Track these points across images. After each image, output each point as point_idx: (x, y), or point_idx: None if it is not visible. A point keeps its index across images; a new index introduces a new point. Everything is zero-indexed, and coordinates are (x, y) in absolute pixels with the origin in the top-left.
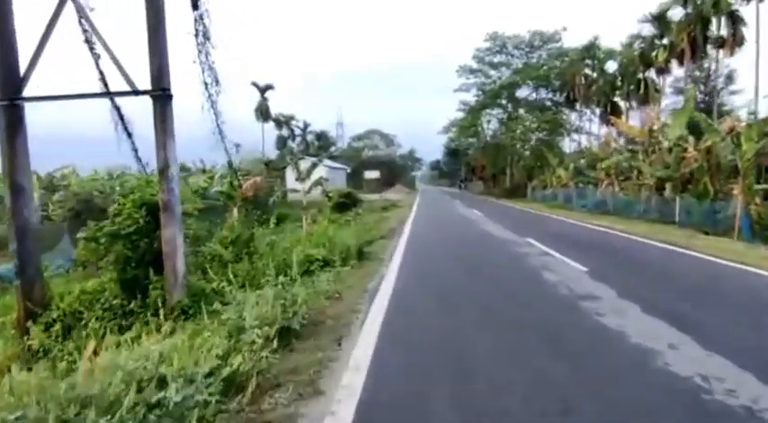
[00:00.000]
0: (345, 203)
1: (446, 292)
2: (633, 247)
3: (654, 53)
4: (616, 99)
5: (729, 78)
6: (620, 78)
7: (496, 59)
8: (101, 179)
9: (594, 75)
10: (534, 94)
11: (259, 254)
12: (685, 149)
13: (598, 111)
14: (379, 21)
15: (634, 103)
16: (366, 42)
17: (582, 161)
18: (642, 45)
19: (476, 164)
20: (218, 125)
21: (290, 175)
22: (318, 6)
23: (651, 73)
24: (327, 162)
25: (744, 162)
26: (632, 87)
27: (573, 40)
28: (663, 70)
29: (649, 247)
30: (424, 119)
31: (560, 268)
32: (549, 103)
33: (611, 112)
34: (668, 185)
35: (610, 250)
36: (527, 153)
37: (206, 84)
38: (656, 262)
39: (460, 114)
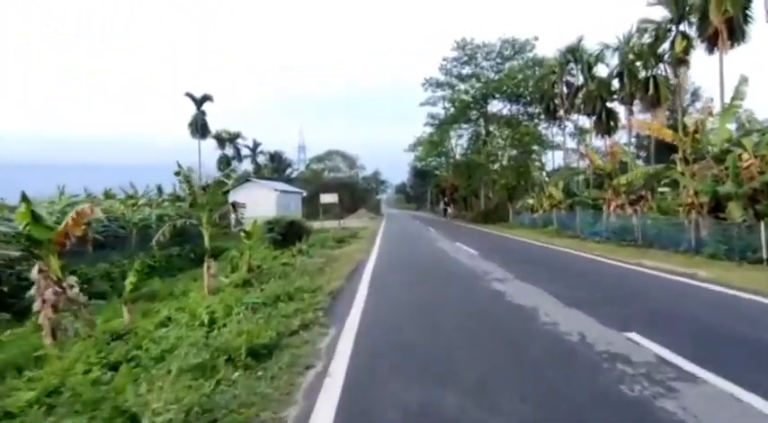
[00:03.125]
0: (287, 236)
1: None
2: None
3: (666, 43)
4: (612, 105)
5: None
6: (619, 79)
7: (465, 71)
8: None
9: (581, 80)
10: (508, 108)
11: None
12: (739, 156)
13: (588, 120)
14: (342, 43)
15: (636, 107)
16: (327, 66)
17: (578, 178)
18: (650, 35)
19: (445, 185)
20: None
21: (238, 199)
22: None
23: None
24: (278, 185)
25: None
26: (637, 87)
27: (545, 49)
28: (682, 62)
29: None
30: (388, 141)
31: None
32: (524, 117)
33: (607, 120)
34: (733, 205)
35: None
36: (507, 171)
37: None
38: None
39: (428, 131)
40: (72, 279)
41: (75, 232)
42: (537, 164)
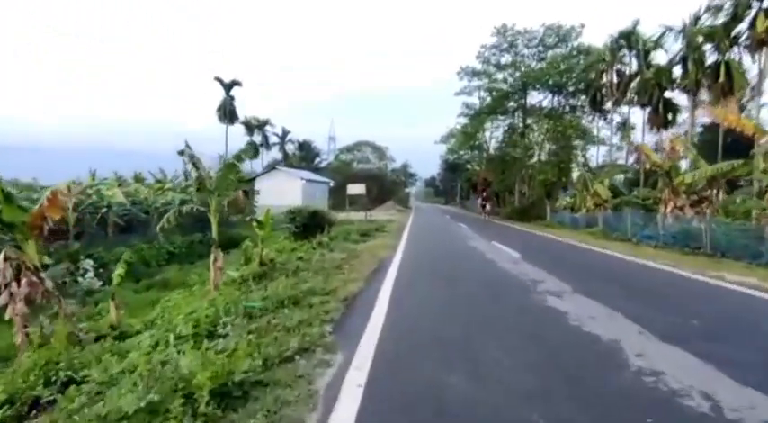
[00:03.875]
0: (309, 226)
1: None
2: None
3: (744, 22)
4: (671, 94)
5: None
6: (682, 65)
7: (504, 59)
8: None
9: (634, 68)
10: (549, 99)
11: None
12: None
13: (641, 112)
14: (380, 39)
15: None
16: (359, 65)
17: (620, 176)
18: (726, 14)
19: (477, 180)
20: None
21: (264, 187)
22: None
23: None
24: (305, 174)
25: None
26: (704, 74)
27: (591, 38)
28: (763, 44)
29: None
30: (419, 134)
31: None
32: (566, 110)
33: (664, 112)
34: None
35: None
36: (546, 166)
37: None
38: None
39: (462, 121)
40: (88, 263)
41: (53, 215)
42: (580, 159)
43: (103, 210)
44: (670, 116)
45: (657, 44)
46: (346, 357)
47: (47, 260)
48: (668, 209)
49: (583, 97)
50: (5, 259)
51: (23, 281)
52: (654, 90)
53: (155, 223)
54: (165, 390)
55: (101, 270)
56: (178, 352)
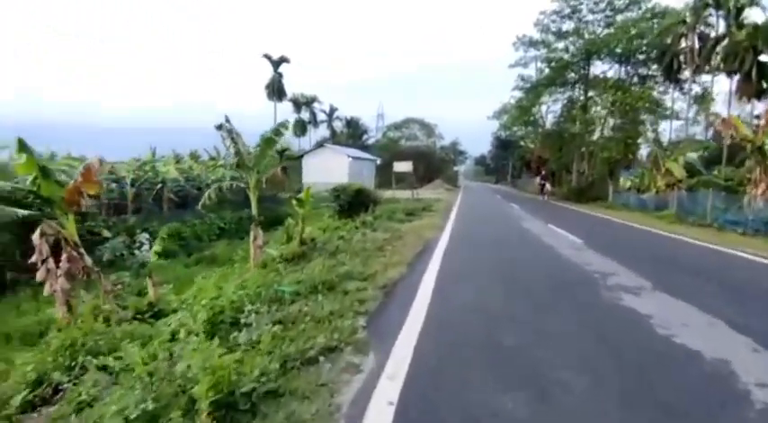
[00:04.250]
0: (353, 205)
1: None
2: None
3: None
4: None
5: None
6: None
7: (565, 26)
8: None
9: (722, 29)
10: (616, 69)
11: None
12: None
13: (729, 80)
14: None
15: None
16: (410, 42)
17: (694, 154)
18: None
19: (531, 157)
20: None
21: (309, 166)
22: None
23: None
24: (352, 151)
25: None
26: None
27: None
28: None
29: None
30: (470, 111)
31: None
32: (634, 80)
33: (758, 78)
34: None
35: None
36: (611, 142)
37: None
38: None
39: (516, 95)
40: (143, 236)
41: (88, 189)
42: (650, 134)
43: (158, 185)
44: (765, 84)
45: (753, 1)
46: (379, 361)
47: (106, 233)
48: (759, 191)
49: (655, 66)
50: (42, 235)
51: (63, 256)
52: (746, 54)
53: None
54: (167, 395)
55: (160, 242)
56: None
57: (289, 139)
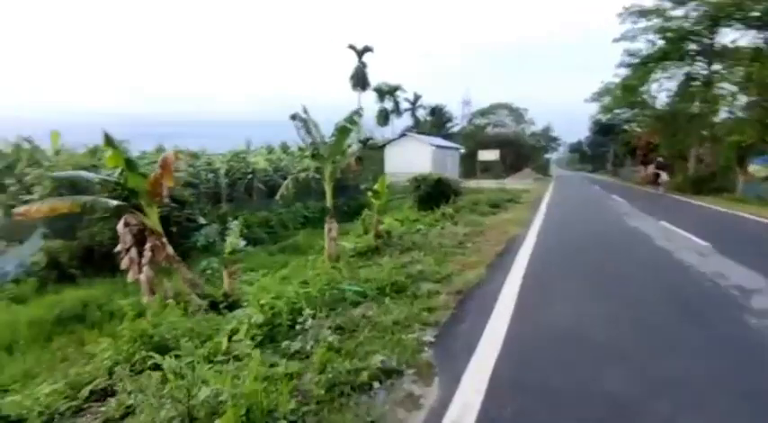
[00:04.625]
0: (433, 196)
1: None
2: None
3: None
4: None
5: None
6: None
7: None
8: None
9: None
10: (753, 36)
11: None
12: None
13: None
14: None
15: None
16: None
17: None
18: None
19: (638, 143)
20: None
21: (391, 156)
22: None
23: None
24: (435, 140)
25: None
26: None
27: None
28: None
29: None
30: (565, 98)
31: None
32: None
33: None
34: None
35: None
36: (743, 124)
37: None
38: None
39: (621, 73)
40: (235, 223)
41: (167, 181)
42: None
43: (249, 176)
44: None
45: None
46: (443, 396)
47: (202, 220)
48: None
49: None
50: (126, 225)
51: (147, 245)
52: None
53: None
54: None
55: (246, 231)
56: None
57: (371, 129)
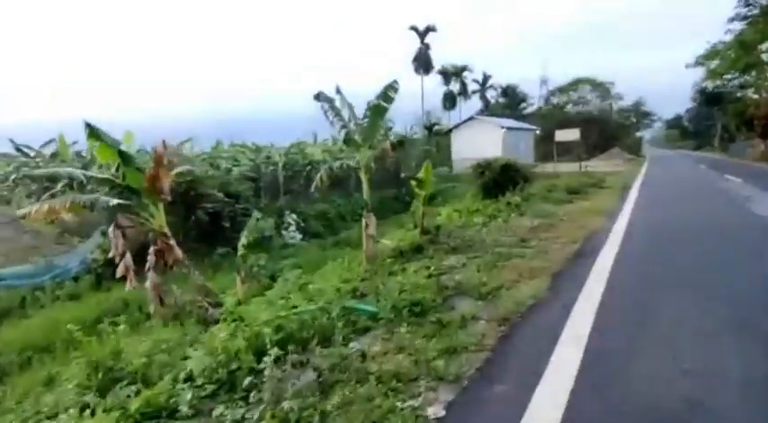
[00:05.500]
0: (499, 182)
1: None
2: None
3: None
4: None
5: None
6: None
7: None
8: None
9: None
10: None
11: None
12: None
13: None
14: None
15: None
16: None
17: None
18: None
19: (757, 112)
20: None
21: (458, 141)
22: None
23: None
24: (506, 122)
25: None
26: None
27: None
28: None
29: None
30: (660, 66)
31: None
32: None
33: None
34: None
35: None
36: None
37: None
38: None
39: (735, 29)
40: (292, 217)
41: (164, 178)
42: None
43: (308, 168)
44: None
45: None
46: None
47: (256, 214)
48: None
49: None
50: (117, 227)
51: (151, 249)
52: None
53: (352, 181)
54: None
55: (302, 224)
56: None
57: (437, 114)
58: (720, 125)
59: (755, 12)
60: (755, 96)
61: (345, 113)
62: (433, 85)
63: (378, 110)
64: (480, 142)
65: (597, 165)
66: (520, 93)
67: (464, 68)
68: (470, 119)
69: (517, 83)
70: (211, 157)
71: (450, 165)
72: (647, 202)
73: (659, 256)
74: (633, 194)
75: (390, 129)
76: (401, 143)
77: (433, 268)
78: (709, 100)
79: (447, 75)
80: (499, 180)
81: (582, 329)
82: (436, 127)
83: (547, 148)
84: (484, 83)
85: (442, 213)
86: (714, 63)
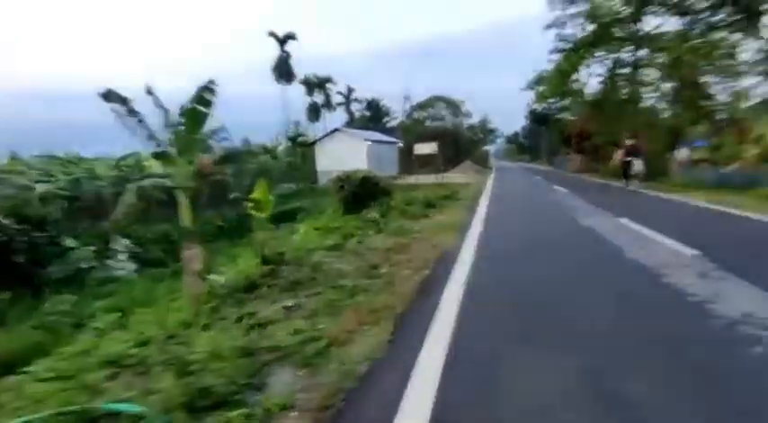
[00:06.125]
0: (360, 196)
1: None
2: None
3: None
4: None
5: None
6: None
7: None
8: None
9: None
10: (676, 22)
11: None
12: None
13: None
14: None
15: None
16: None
17: None
18: None
19: (572, 132)
20: None
21: (323, 153)
22: None
23: None
24: (370, 135)
25: None
26: None
27: None
28: None
29: None
30: (499, 87)
31: None
32: (700, 28)
33: None
34: None
35: None
36: (676, 107)
37: None
38: None
39: (555, 59)
40: (121, 243)
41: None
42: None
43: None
44: None
45: None
46: None
47: (70, 242)
48: None
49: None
50: None
51: None
52: None
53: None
54: None
55: (139, 250)
56: None
57: (304, 125)
58: (547, 141)
59: (568, 46)
60: (572, 118)
61: (159, 120)
62: (297, 96)
63: (194, 115)
64: (345, 155)
65: (454, 175)
66: (383, 107)
67: (328, 80)
68: (335, 131)
69: (381, 96)
70: (3, 172)
71: (314, 178)
72: (495, 213)
73: (507, 267)
74: (483, 206)
75: (226, 139)
76: (226, 158)
77: (256, 318)
78: (538, 119)
79: (310, 85)
80: (359, 193)
81: (428, 390)
82: (300, 138)
83: (409, 160)
84: (348, 96)
85: (300, 231)
86: (541, 88)
